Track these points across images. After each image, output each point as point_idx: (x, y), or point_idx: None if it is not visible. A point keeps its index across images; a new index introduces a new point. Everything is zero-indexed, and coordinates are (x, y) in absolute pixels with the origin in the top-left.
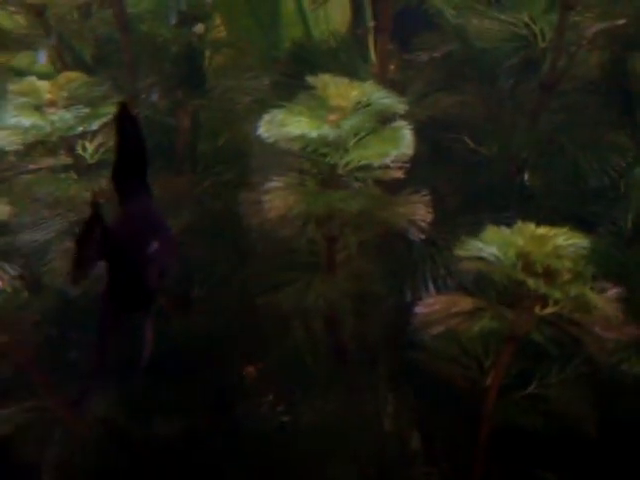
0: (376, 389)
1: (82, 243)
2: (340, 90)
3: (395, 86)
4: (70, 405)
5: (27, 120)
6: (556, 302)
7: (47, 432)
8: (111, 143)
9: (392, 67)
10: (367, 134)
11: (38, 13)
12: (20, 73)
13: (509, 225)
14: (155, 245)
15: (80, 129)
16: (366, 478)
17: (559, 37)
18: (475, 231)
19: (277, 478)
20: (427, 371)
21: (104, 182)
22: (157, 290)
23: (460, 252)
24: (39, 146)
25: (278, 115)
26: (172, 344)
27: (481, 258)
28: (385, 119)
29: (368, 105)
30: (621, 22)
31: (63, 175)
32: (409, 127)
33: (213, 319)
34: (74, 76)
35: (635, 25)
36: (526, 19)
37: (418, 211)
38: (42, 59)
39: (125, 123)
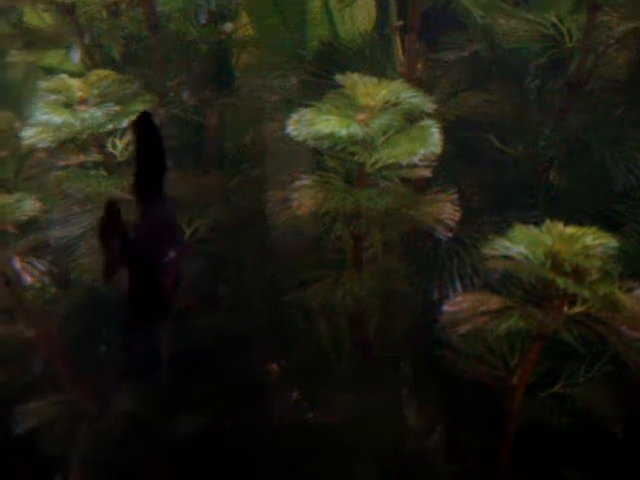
0: (401, 387)
1: (107, 245)
2: (368, 89)
3: (423, 85)
4: (96, 400)
5: (58, 117)
6: (584, 301)
7: (73, 426)
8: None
9: (419, 66)
10: (395, 133)
11: (68, 11)
12: (51, 71)
13: (535, 224)
14: (171, 254)
15: (110, 126)
16: (390, 475)
17: (586, 37)
18: (502, 230)
19: (301, 474)
20: (453, 369)
21: (130, 179)
22: (172, 297)
23: (487, 251)
24: (70, 143)
25: (306, 114)
26: (198, 341)
27: (508, 257)
28: (413, 118)
29: (396, 104)
30: None
31: (93, 172)
32: (437, 126)
33: (240, 316)
34: (105, 74)
35: None
36: (553, 19)
37: (445, 210)
38: (75, 57)
39: (146, 132)
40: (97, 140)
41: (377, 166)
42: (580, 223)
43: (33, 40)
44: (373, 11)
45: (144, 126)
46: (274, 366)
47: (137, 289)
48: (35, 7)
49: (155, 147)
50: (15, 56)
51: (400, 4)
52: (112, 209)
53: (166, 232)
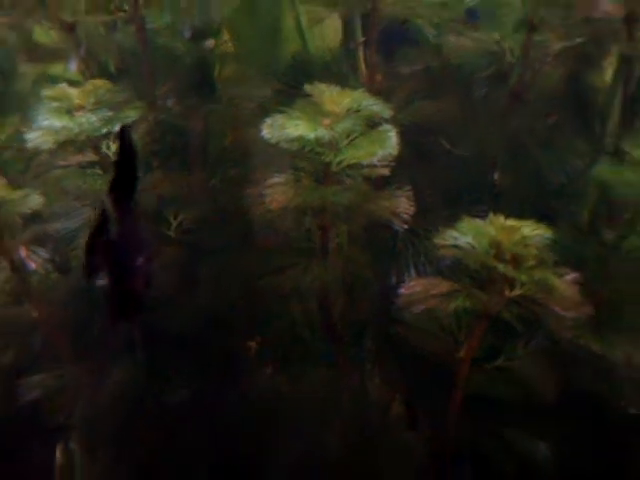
0: (363, 361)
1: (91, 250)
2: (333, 97)
3: (382, 94)
4: (92, 372)
5: (59, 122)
6: (522, 285)
7: (73, 396)
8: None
9: (379, 78)
10: (357, 136)
11: (70, 29)
12: (53, 81)
13: (482, 218)
14: (141, 259)
15: (104, 130)
16: (354, 442)
17: (525, 54)
18: (452, 222)
19: (275, 439)
20: (409, 345)
21: None
22: (142, 298)
23: (439, 241)
24: (69, 145)
25: (279, 119)
26: (183, 321)
27: (457, 246)
28: (373, 123)
29: (358, 111)
30: (579, 41)
31: (90, 171)
32: (394, 130)
33: (220, 299)
34: (100, 84)
35: (591, 45)
36: (497, 37)
37: (401, 205)
38: (72, 68)
39: (125, 145)
40: (93, 142)
41: (341, 166)
42: (520, 216)
43: (40, 54)
44: (339, 29)
45: (123, 138)
46: (253, 343)
47: (115, 286)
48: (42, 24)
49: (130, 157)
50: (24, 67)
51: (363, 23)
52: (104, 218)
53: (138, 239)
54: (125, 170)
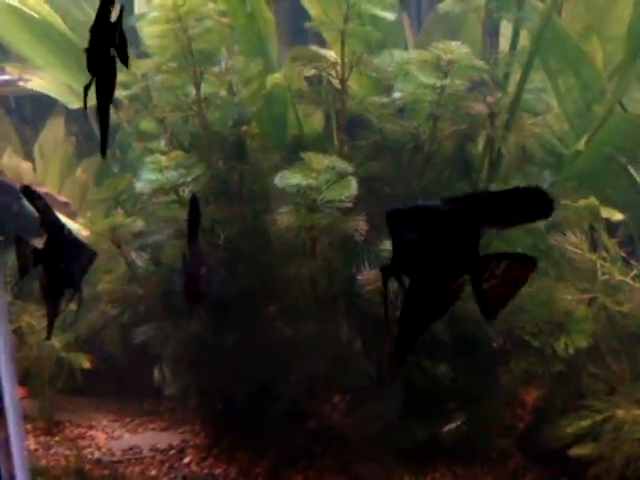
0: (337, 319)
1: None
2: (318, 160)
3: (347, 158)
4: (176, 325)
5: (154, 176)
6: None
7: (165, 339)
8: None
9: (346, 148)
10: (332, 183)
11: (161, 121)
12: (152, 152)
13: None
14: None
15: (181, 181)
16: (330, 368)
17: (432, 134)
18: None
19: (284, 359)
20: (365, 309)
21: None
22: (204, 292)
23: (382, 247)
24: (159, 190)
25: (285, 174)
26: (229, 296)
27: None
28: (342, 175)
29: (333, 168)
30: (463, 127)
31: (172, 206)
32: (354, 180)
33: (250, 282)
34: (178, 153)
35: (470, 129)
36: (415, 124)
37: (360, 225)
38: (162, 144)
39: (193, 205)
40: (174, 189)
41: (323, 201)
42: None
43: (142, 135)
44: (322, 118)
45: (193, 200)
46: (270, 308)
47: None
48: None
49: (196, 213)
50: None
51: (336, 115)
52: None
53: (202, 259)
54: (193, 222)
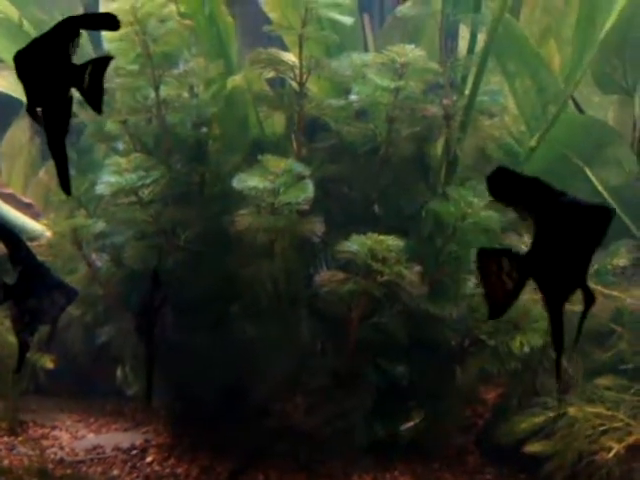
0: (298, 320)
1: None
2: (276, 163)
3: (305, 161)
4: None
5: (113, 179)
6: (388, 274)
7: (125, 339)
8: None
9: (304, 151)
10: (290, 186)
11: (123, 122)
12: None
13: (364, 234)
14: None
15: (140, 183)
16: (290, 364)
17: (389, 136)
18: (347, 237)
19: (246, 359)
20: (322, 308)
21: (152, 210)
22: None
23: (339, 248)
24: (120, 192)
25: (243, 176)
26: (191, 295)
27: (349, 251)
28: (299, 178)
29: (290, 171)
30: (420, 129)
31: (131, 207)
32: (311, 182)
33: (212, 282)
34: (137, 156)
35: (427, 130)
36: (373, 127)
37: (317, 226)
38: (120, 147)
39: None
40: (134, 190)
41: (281, 204)
42: (388, 233)
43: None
44: (283, 120)
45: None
46: (233, 308)
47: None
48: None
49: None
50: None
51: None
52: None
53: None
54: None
